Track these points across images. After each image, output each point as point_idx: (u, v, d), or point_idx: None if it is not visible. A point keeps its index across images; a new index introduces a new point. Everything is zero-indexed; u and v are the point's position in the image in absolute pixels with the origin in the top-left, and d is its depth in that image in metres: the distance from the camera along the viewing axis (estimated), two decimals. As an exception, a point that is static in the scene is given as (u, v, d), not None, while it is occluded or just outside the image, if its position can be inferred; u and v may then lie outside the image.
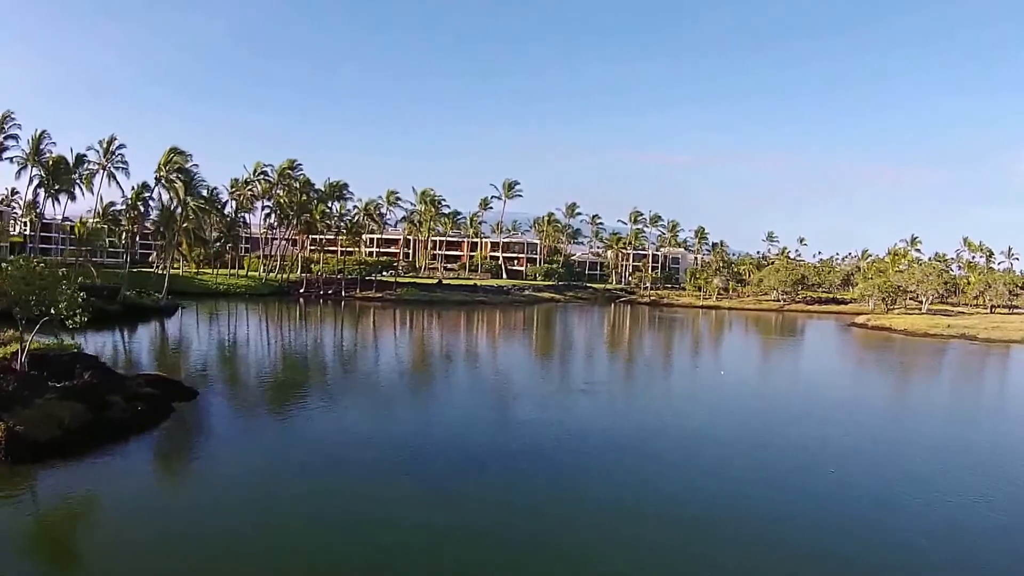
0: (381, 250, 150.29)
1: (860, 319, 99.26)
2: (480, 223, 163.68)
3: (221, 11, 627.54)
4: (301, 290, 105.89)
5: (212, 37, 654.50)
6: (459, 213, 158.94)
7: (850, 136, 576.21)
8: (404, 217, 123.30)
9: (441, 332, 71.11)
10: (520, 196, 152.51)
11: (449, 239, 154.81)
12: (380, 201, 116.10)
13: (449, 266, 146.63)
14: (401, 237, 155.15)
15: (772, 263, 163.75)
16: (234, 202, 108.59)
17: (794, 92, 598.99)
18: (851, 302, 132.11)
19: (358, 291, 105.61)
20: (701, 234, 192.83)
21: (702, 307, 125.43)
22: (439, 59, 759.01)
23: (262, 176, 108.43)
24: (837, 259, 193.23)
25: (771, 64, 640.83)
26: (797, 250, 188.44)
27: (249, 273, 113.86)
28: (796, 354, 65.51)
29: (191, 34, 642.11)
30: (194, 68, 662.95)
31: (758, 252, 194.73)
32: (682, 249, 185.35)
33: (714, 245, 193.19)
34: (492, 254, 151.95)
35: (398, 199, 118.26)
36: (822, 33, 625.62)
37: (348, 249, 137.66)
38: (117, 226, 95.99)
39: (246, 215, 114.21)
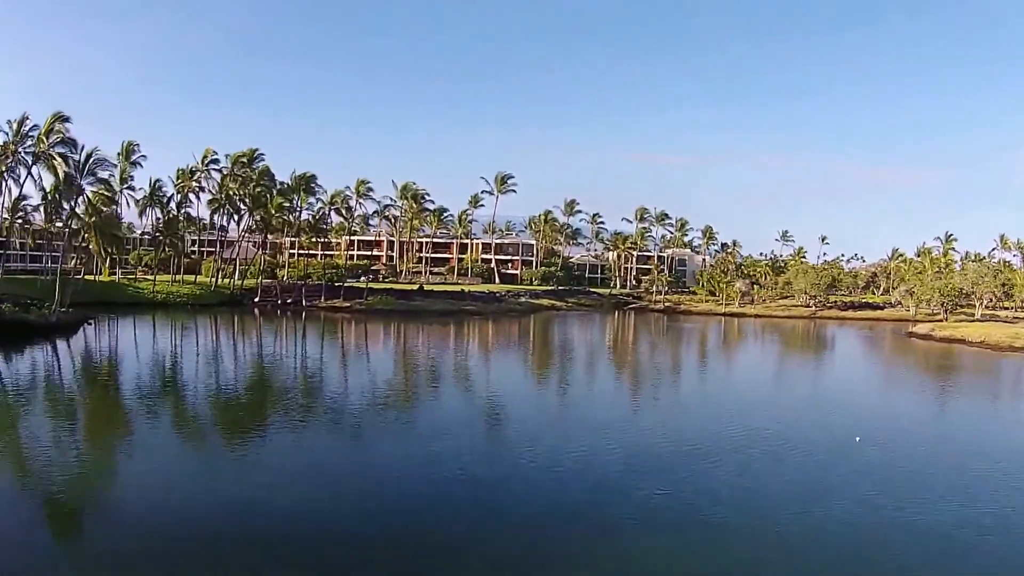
0: (361, 252, 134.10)
1: (919, 328, 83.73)
2: (470, 221, 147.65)
3: (219, 15, 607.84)
4: (255, 299, 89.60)
5: (208, 40, 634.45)
6: (446, 210, 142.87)
7: (850, 136, 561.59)
8: (376, 212, 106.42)
9: (407, 360, 54.22)
10: (514, 191, 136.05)
11: (436, 240, 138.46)
12: (349, 193, 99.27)
13: (436, 270, 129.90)
14: (384, 239, 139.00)
15: (787, 264, 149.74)
16: (179, 195, 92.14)
17: (794, 92, 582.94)
18: (886, 306, 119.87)
19: (322, 299, 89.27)
20: (709, 234, 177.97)
21: (725, 315, 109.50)
22: (437, 60, 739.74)
23: (211, 165, 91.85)
24: (843, 260, 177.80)
25: (771, 64, 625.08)
26: (802, 250, 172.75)
27: (199, 279, 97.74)
28: (913, 392, 46.25)
29: (186, 37, 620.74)
30: (189, 71, 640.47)
31: (762, 253, 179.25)
32: (688, 250, 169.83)
33: (724, 245, 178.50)
34: (484, 256, 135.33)
35: (370, 190, 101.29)
36: (822, 32, 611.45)
37: (328, 253, 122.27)
38: (28, 224, 79.77)
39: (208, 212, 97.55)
